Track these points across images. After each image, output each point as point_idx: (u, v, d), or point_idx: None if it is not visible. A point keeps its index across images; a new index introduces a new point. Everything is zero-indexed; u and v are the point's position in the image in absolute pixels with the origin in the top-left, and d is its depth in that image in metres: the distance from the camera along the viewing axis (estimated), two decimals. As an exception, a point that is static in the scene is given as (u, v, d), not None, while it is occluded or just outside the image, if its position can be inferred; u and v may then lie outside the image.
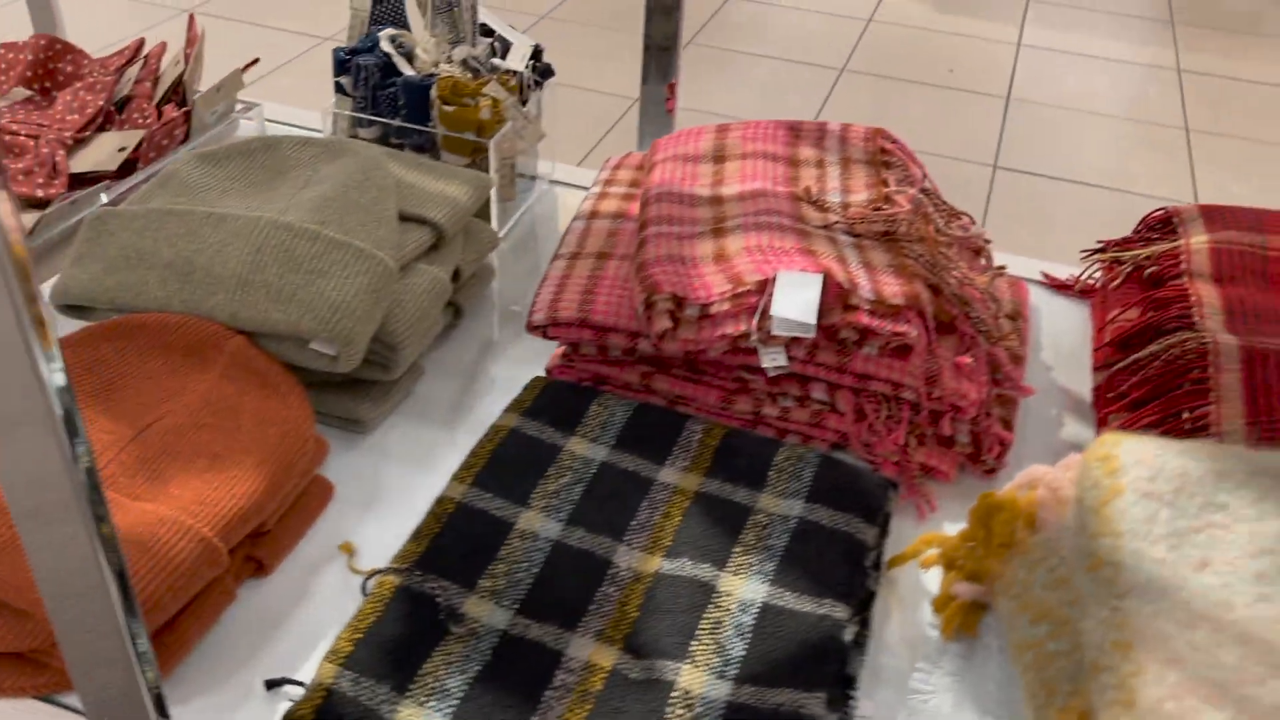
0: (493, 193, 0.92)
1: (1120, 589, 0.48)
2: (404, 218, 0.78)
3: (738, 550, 0.63)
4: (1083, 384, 0.83)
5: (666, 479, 0.68)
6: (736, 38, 2.07)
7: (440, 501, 0.65)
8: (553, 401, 0.73)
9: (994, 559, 0.59)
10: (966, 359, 0.74)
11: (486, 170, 0.90)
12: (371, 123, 0.93)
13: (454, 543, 0.62)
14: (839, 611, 0.59)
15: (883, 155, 0.89)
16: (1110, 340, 0.79)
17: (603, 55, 2.03)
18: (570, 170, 1.07)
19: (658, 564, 0.62)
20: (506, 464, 0.67)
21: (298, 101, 1.16)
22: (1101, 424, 0.75)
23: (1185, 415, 0.69)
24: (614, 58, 1.97)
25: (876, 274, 0.75)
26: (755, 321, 0.71)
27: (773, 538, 0.64)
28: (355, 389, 0.74)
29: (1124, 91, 1.93)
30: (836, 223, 0.80)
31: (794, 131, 0.91)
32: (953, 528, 0.71)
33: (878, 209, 0.81)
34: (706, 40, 2.06)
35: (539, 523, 0.64)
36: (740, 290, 0.72)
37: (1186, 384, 0.70)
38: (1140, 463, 0.52)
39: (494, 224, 0.93)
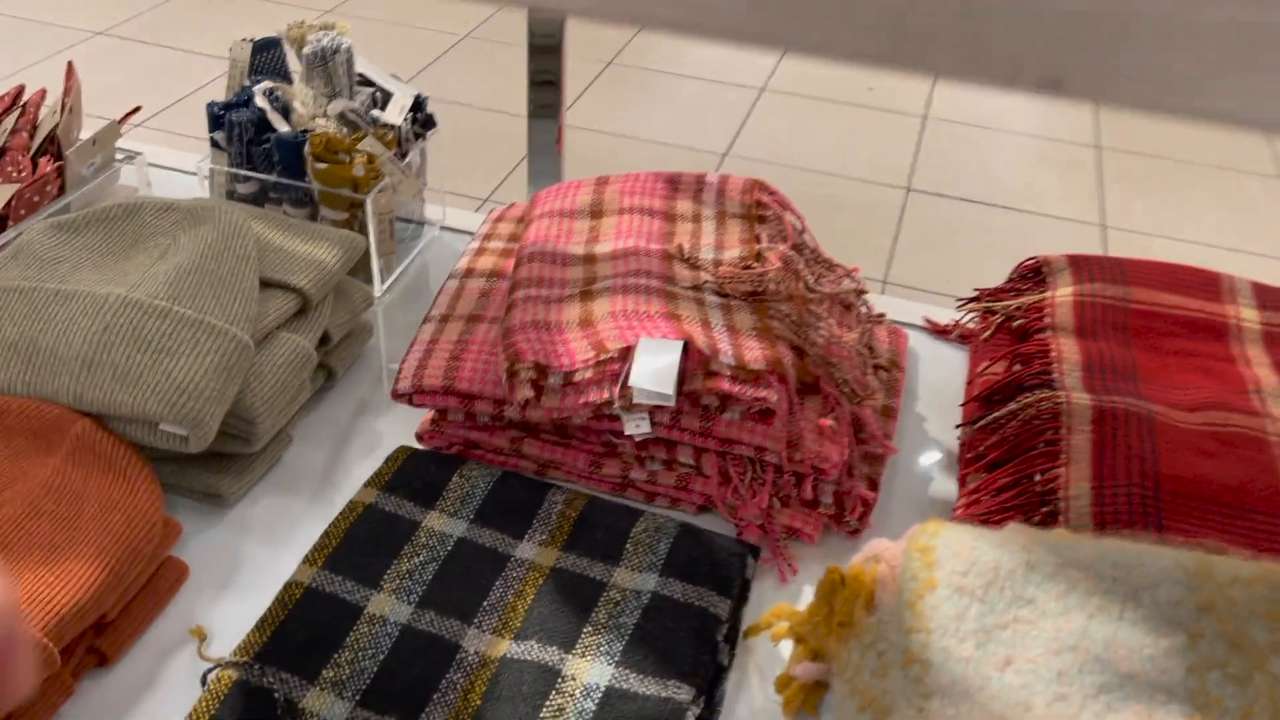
0: (372, 248, 0.91)
1: (927, 689, 0.48)
2: (267, 283, 0.77)
3: (588, 630, 0.63)
4: (955, 437, 0.84)
5: (524, 554, 0.68)
6: (658, 58, 2.07)
7: (288, 587, 0.64)
8: (414, 474, 0.72)
9: (833, 638, 0.60)
10: (829, 421, 0.75)
11: (365, 224, 0.89)
12: (248, 178, 0.92)
13: (299, 631, 0.62)
14: (682, 693, 0.59)
15: (759, 209, 0.89)
16: (977, 395, 0.80)
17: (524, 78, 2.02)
18: (463, 215, 1.06)
19: (505, 647, 0.62)
20: (360, 543, 0.67)
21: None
22: (962, 483, 0.76)
23: (1037, 478, 0.70)
24: (537, 77, 1.96)
25: (739, 338, 0.75)
26: (617, 389, 0.71)
27: (624, 615, 0.64)
28: (216, 462, 0.73)
29: (1039, 108, 1.95)
30: (706, 282, 0.80)
31: (672, 184, 0.91)
32: (804, 594, 0.71)
33: (747, 267, 0.81)
34: (627, 60, 2.05)
35: (389, 606, 0.64)
36: (603, 358, 0.72)
37: (1040, 445, 0.71)
38: (956, 555, 0.52)
39: (375, 279, 0.92)
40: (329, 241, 0.82)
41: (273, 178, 0.90)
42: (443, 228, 1.05)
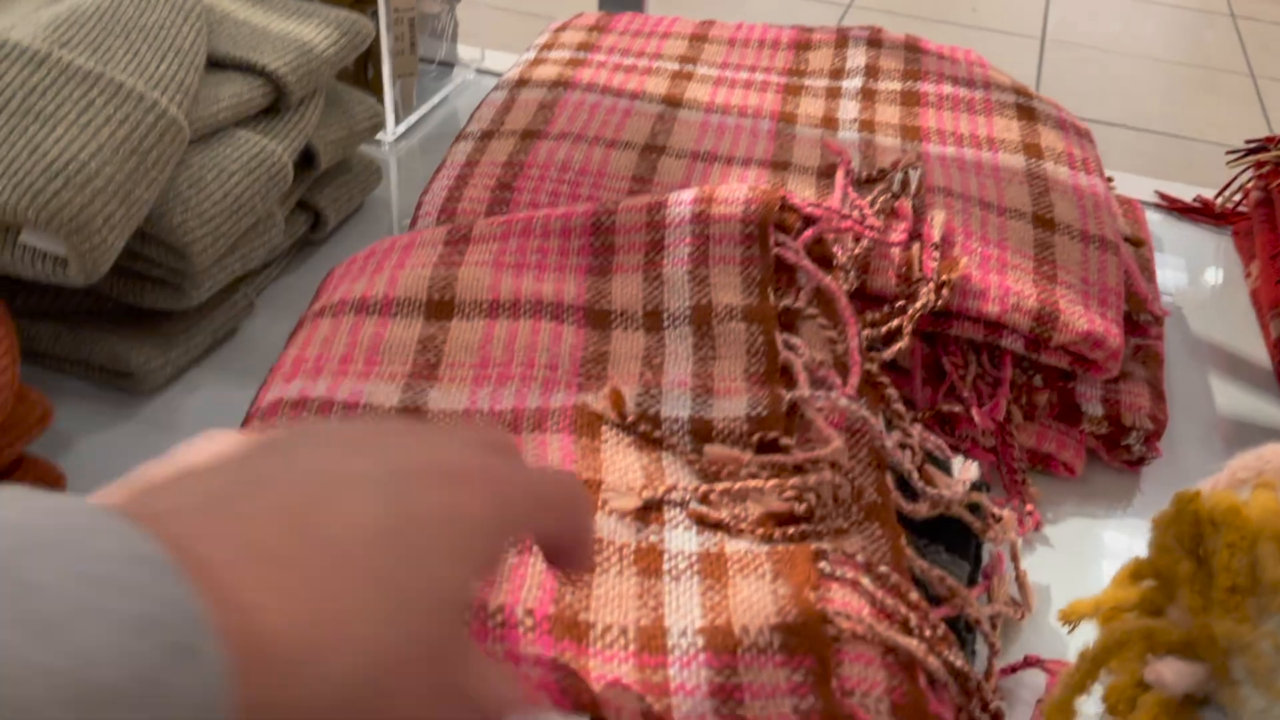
0: (384, 63, 0.64)
1: None
2: (222, 63, 0.50)
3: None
4: (1242, 339, 0.56)
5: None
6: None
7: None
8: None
9: (1222, 615, 0.32)
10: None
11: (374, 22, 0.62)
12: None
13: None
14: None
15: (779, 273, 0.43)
16: (1299, 269, 0.53)
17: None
18: (505, 58, 0.79)
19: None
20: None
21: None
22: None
23: None
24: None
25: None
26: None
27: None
28: (128, 322, 0.47)
29: (1175, 34, 1.68)
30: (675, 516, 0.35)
31: (598, 228, 0.45)
32: (1055, 559, 0.44)
33: (769, 443, 0.37)
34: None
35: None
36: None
37: None
38: None
39: (387, 111, 0.65)
40: (319, 19, 0.55)
41: (248, -41, 0.64)
42: (479, 70, 0.78)
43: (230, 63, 0.50)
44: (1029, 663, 0.37)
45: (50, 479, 0.41)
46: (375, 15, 0.63)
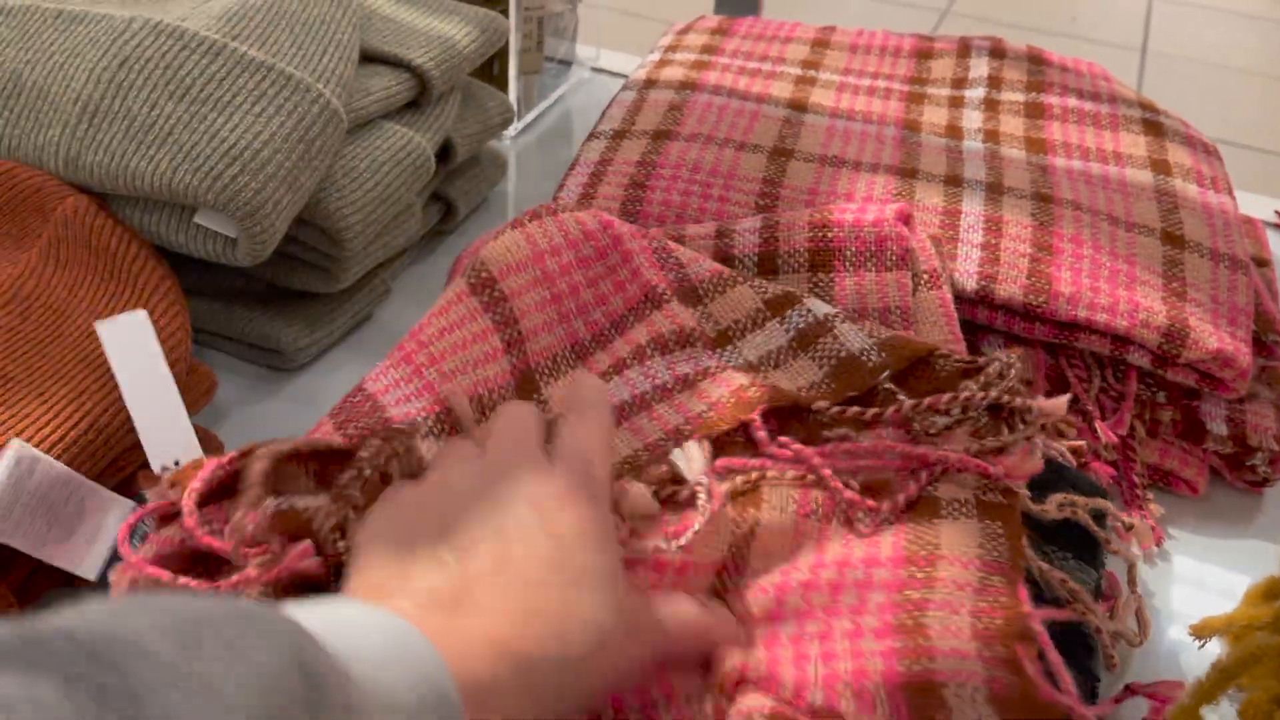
0: (511, 60, 0.66)
1: None
2: (372, 58, 0.53)
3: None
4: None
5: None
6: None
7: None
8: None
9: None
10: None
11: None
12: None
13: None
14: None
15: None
16: None
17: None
18: (619, 58, 0.81)
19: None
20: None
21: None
22: None
23: None
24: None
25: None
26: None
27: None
28: (280, 302, 0.49)
29: (1275, 49, 1.64)
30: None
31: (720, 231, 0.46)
32: (1174, 576, 0.44)
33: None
34: (783, -21, 1.78)
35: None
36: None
37: None
38: None
39: (512, 107, 0.67)
40: (460, 17, 0.57)
41: (386, -44, 0.66)
42: (594, 69, 0.80)
43: (378, 57, 0.53)
44: (1132, 691, 0.37)
45: (211, 446, 0.43)
46: (505, 13, 0.65)
